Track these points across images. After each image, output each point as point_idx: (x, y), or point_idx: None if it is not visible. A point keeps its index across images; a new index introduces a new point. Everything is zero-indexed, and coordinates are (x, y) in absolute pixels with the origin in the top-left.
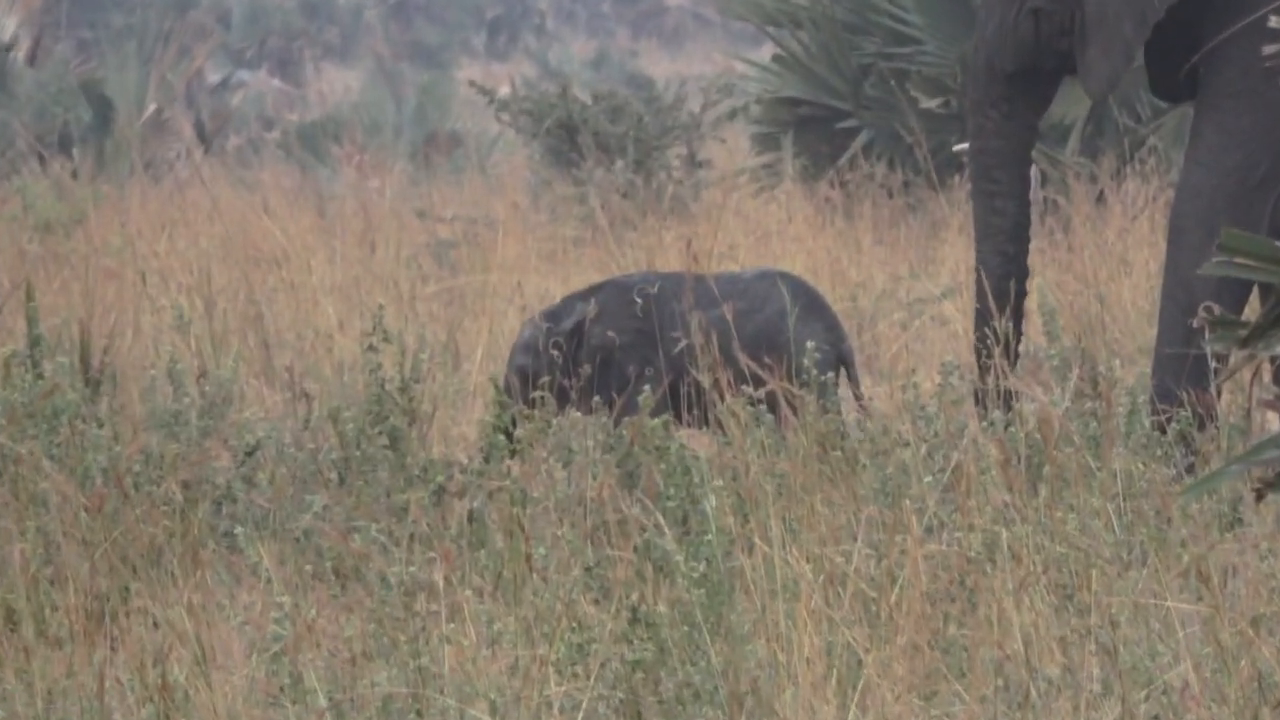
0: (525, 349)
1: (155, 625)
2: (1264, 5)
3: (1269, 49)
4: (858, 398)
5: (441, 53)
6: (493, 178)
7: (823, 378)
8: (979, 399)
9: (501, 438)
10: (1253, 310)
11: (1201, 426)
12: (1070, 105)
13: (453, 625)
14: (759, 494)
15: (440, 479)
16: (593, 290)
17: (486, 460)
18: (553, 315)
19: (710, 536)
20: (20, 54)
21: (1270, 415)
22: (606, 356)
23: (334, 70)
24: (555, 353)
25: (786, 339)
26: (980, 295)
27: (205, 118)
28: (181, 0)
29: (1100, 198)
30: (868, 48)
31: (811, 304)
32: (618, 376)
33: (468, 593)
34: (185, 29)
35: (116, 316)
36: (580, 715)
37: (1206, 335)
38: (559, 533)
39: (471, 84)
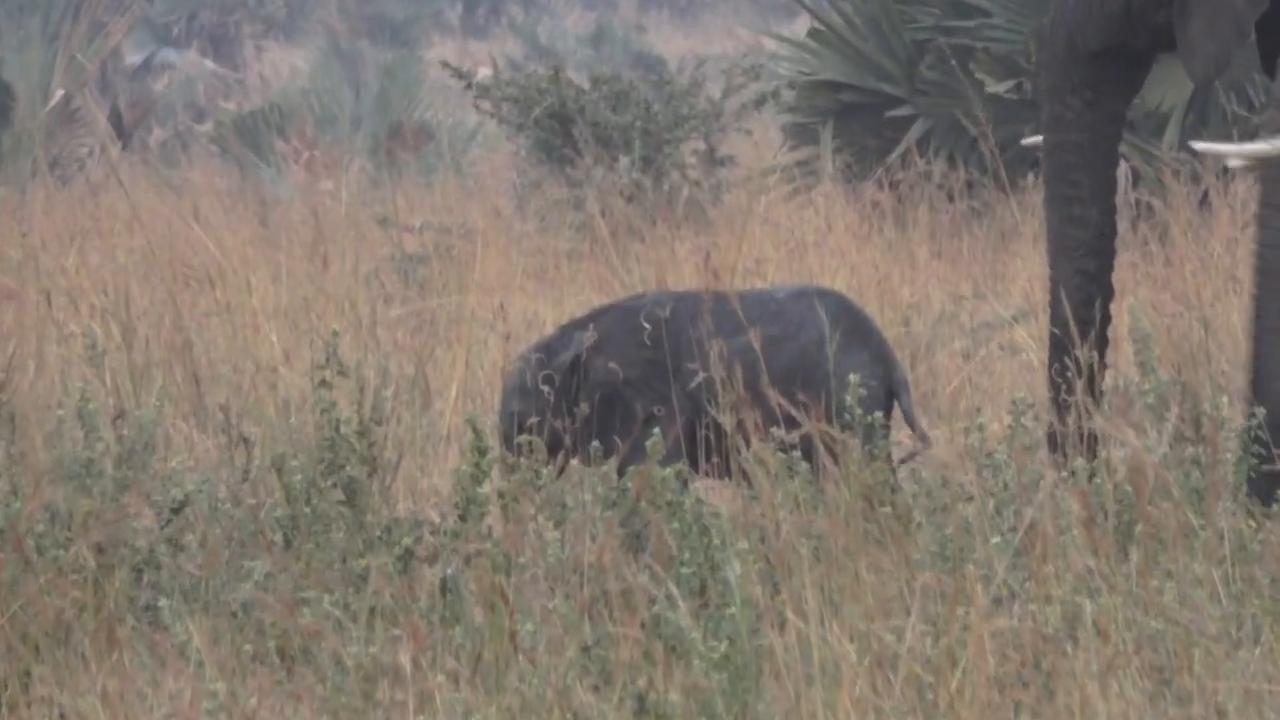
0: (517, 392)
1: (62, 718)
2: None
3: None
4: (920, 438)
5: (408, 28)
6: (470, 178)
7: (869, 418)
8: (1057, 444)
9: (482, 491)
10: None
11: None
12: (1168, 90)
13: (422, 718)
14: (792, 559)
15: (407, 541)
16: (593, 316)
17: (463, 518)
18: (547, 348)
19: (733, 610)
20: None
21: None
22: (609, 394)
23: (278, 50)
24: (548, 392)
25: (826, 371)
26: (1057, 320)
27: (123, 107)
28: None
29: (1204, 201)
30: (924, 21)
31: (856, 328)
32: (623, 417)
33: (440, 678)
34: (99, 0)
35: (16, 346)
36: None
37: None
38: (550, 605)
39: (444, 65)
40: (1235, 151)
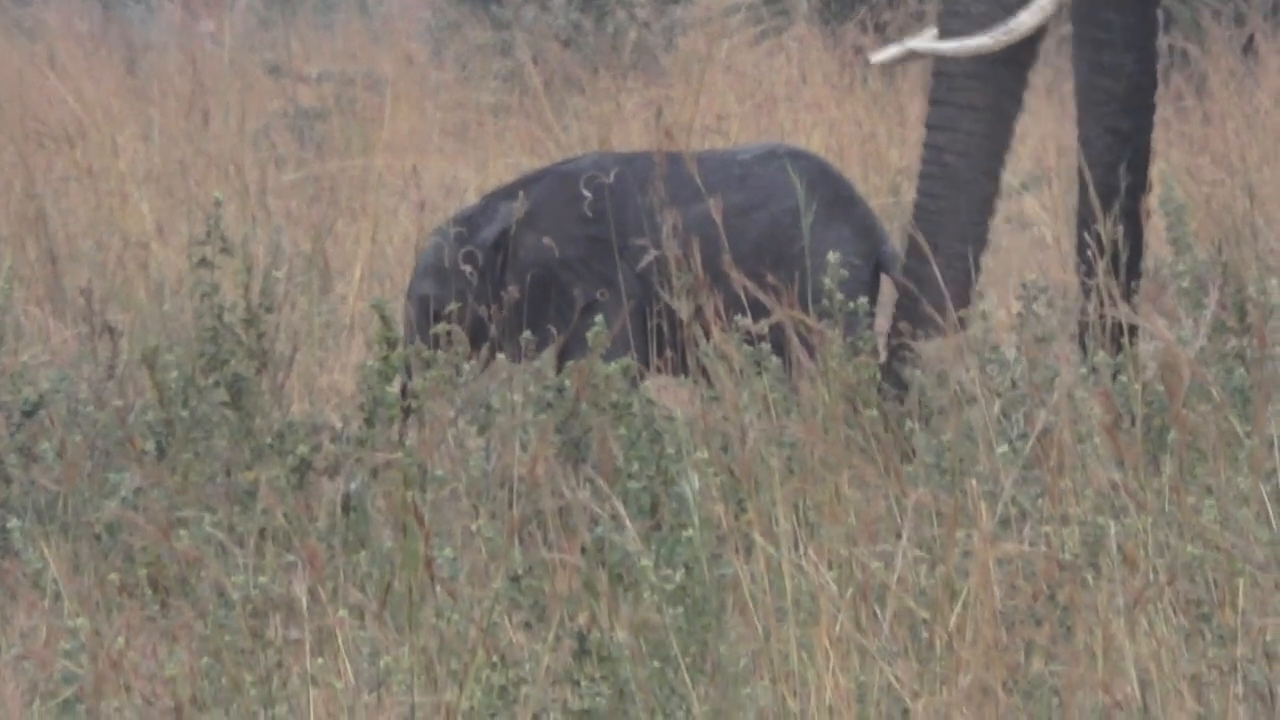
0: (431, 273)
1: None
2: None
3: None
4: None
5: None
6: (377, 19)
7: (852, 303)
8: (1076, 335)
9: (391, 390)
10: None
11: None
12: None
13: (321, 660)
14: (760, 471)
15: (303, 450)
16: (523, 183)
17: (369, 423)
18: (468, 221)
19: (690, 532)
20: None
21: None
22: (542, 275)
23: None
24: (470, 273)
25: (801, 248)
26: (1080, 188)
27: None
28: None
29: (1249, 46)
30: None
31: (836, 196)
32: (559, 303)
33: (342, 613)
34: None
35: None
36: None
37: None
38: (473, 527)
39: None
40: (952, 49)
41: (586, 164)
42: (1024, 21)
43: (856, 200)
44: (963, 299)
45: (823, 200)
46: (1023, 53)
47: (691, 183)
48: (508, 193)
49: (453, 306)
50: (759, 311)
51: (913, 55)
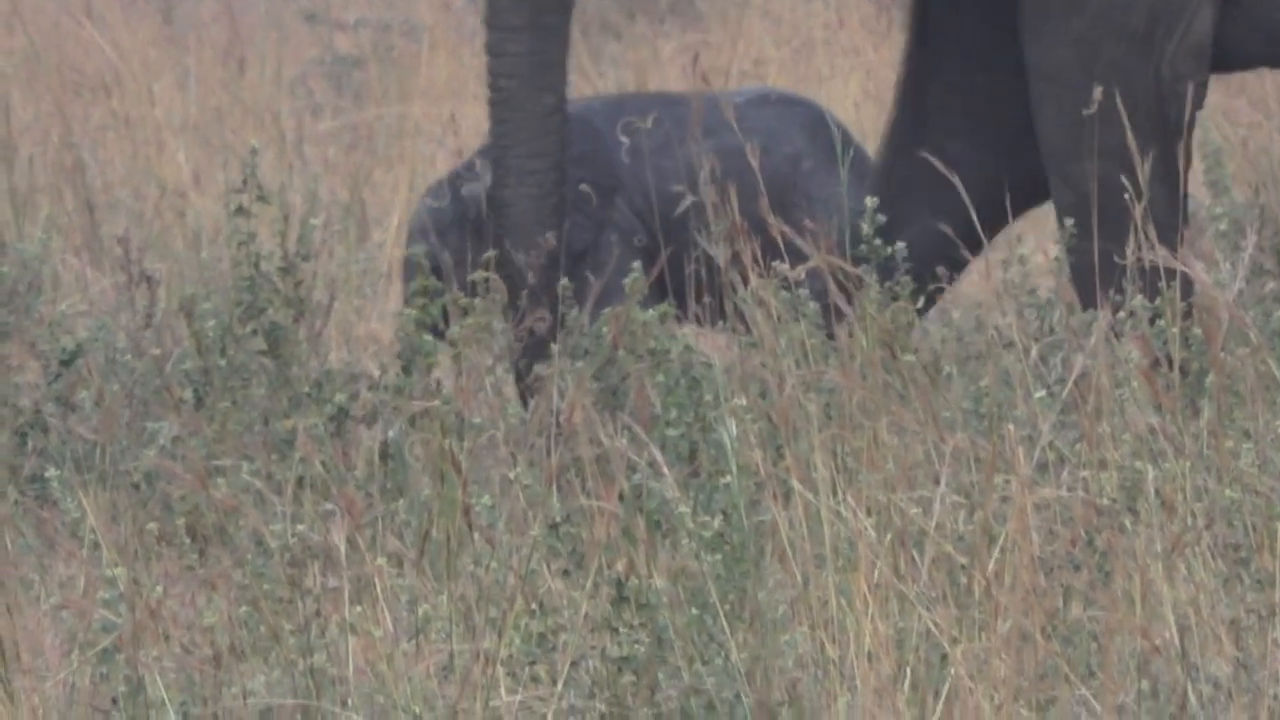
0: (421, 230)
1: None
2: None
3: None
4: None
5: None
6: None
7: (889, 250)
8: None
9: (429, 339)
10: None
11: None
12: None
13: (360, 608)
14: (798, 418)
15: (340, 398)
16: None
17: (406, 371)
18: (458, 177)
19: (728, 479)
20: None
21: None
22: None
23: None
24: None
25: (802, 194)
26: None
27: None
28: None
29: None
30: None
31: (834, 143)
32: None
33: (381, 561)
34: None
35: None
36: None
37: None
38: (511, 475)
39: None
40: None
41: (573, 110)
42: None
43: (855, 147)
44: (544, 217)
45: (822, 147)
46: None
47: (690, 125)
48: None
49: (489, 255)
50: (795, 257)
51: None
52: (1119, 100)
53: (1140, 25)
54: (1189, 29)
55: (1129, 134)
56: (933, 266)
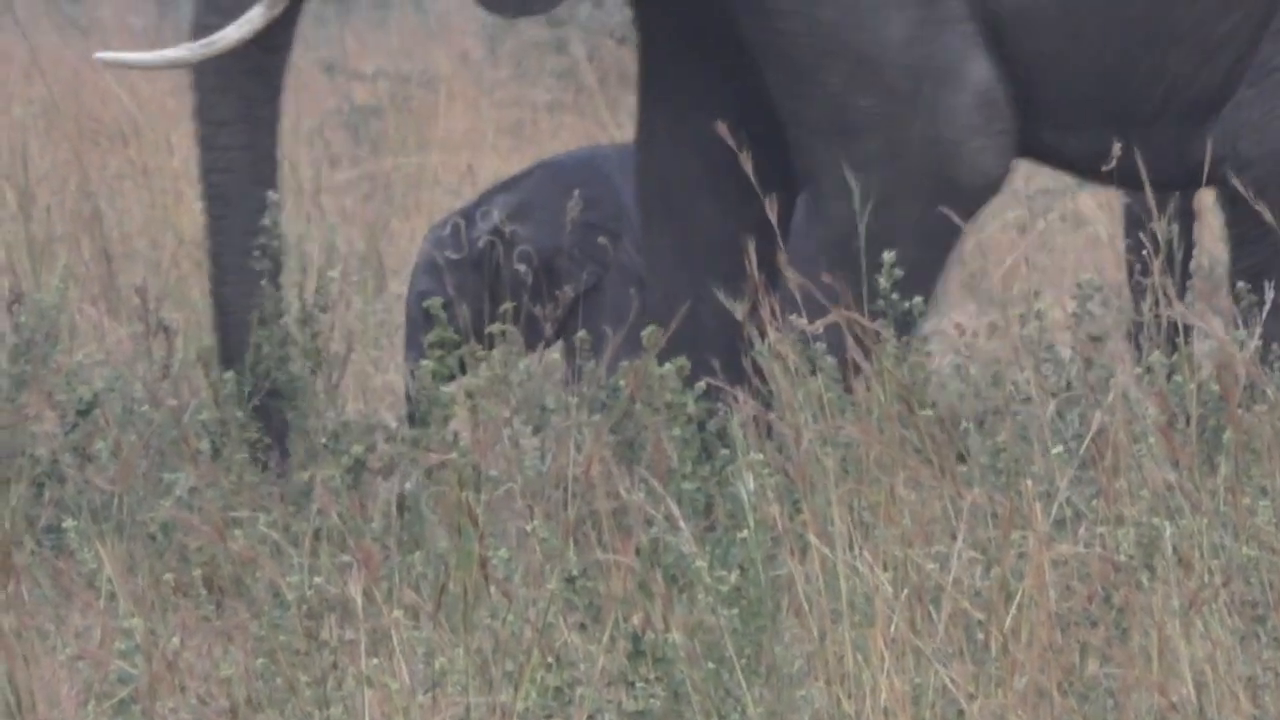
0: (427, 269)
1: None
2: None
3: None
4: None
5: None
6: (432, 16)
7: (906, 302)
8: (1131, 335)
9: (446, 390)
10: None
11: None
12: None
13: (376, 661)
14: (815, 472)
15: (357, 450)
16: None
17: (424, 423)
18: (465, 216)
19: (746, 533)
20: None
21: None
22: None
23: None
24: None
25: None
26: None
27: None
28: None
29: None
30: None
31: None
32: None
33: (398, 614)
34: None
35: None
36: None
37: None
38: (528, 528)
39: None
40: (151, 61)
41: (580, 155)
42: (228, 35)
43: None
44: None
45: None
46: (269, 59)
47: None
48: (502, 186)
49: (507, 306)
50: (814, 311)
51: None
52: (880, 149)
53: (899, 80)
54: (965, 80)
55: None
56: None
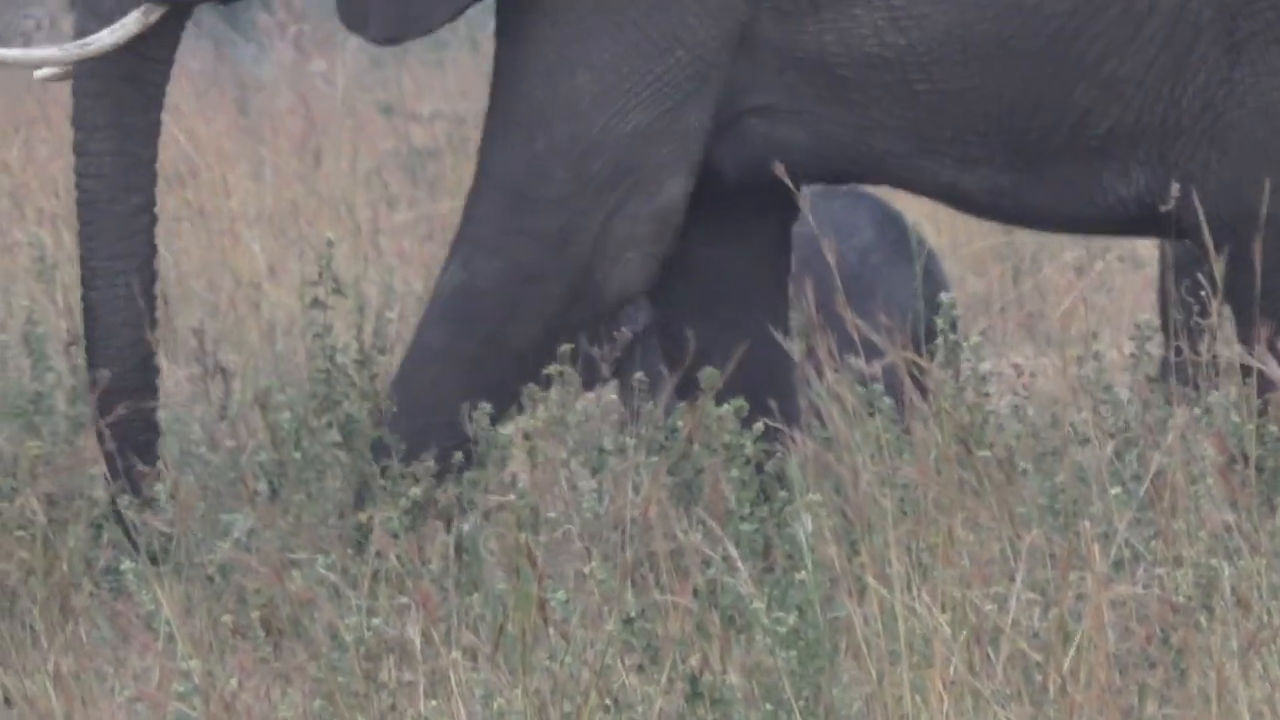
0: None
1: (7, 701)
2: None
3: None
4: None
5: None
6: (488, 57)
7: (962, 341)
8: (1188, 376)
9: (503, 432)
10: None
11: None
12: None
13: (435, 702)
14: (873, 513)
15: (415, 492)
16: None
17: (481, 465)
18: None
19: (804, 575)
20: None
21: None
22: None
23: None
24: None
25: (866, 286)
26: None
27: None
28: None
29: None
30: None
31: (901, 238)
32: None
33: (456, 655)
34: None
35: None
36: None
37: None
38: (586, 569)
39: None
40: (21, 58)
41: None
42: (102, 39)
43: (921, 242)
44: (132, 319)
45: (889, 240)
46: (145, 67)
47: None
48: None
49: (564, 347)
50: (871, 353)
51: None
52: (554, 227)
53: (603, 173)
54: (658, 193)
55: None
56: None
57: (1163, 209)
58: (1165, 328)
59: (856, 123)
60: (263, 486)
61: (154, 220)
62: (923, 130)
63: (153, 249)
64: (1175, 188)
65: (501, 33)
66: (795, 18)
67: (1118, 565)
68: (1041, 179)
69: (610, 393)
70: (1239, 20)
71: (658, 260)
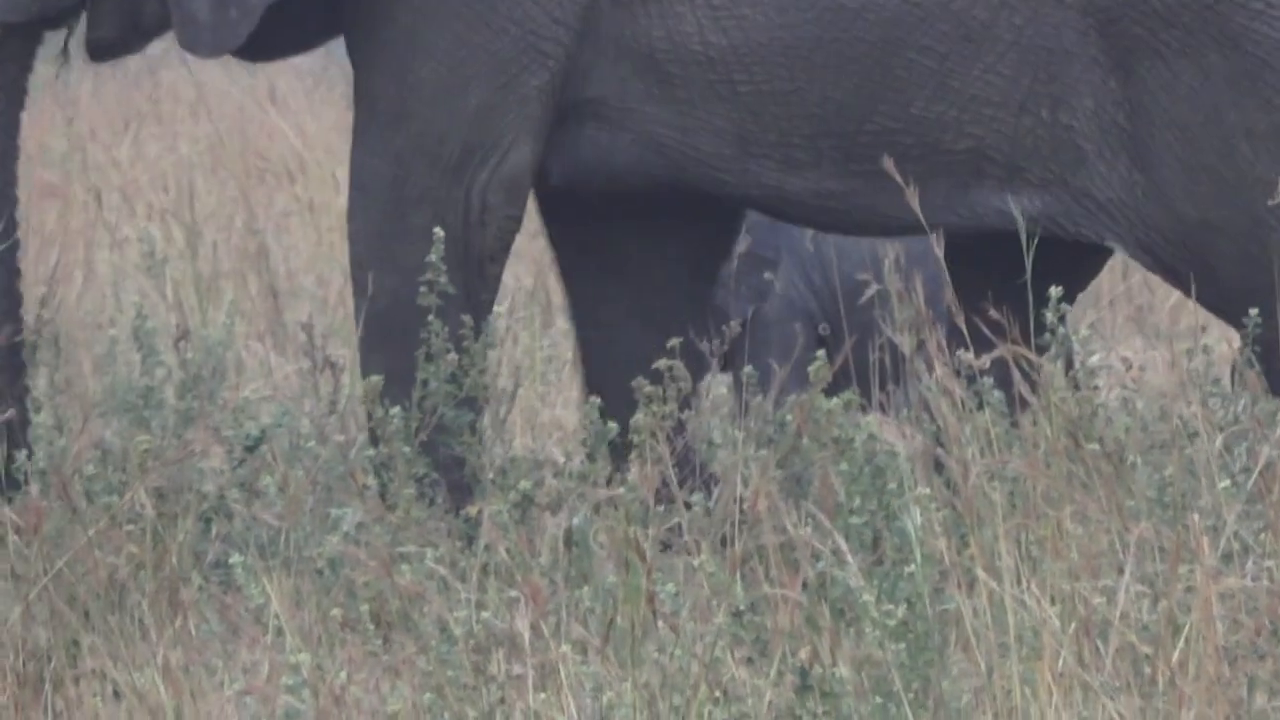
0: None
1: (116, 695)
2: None
3: None
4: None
5: None
6: None
7: (1071, 335)
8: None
9: (613, 426)
10: None
11: None
12: None
13: (544, 695)
14: (983, 507)
15: (525, 485)
16: None
17: (591, 458)
18: None
19: (913, 568)
20: None
21: None
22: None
23: None
24: None
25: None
26: None
27: None
28: None
29: None
30: None
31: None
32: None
33: (565, 648)
34: None
35: (61, 253)
36: None
37: None
38: (695, 563)
39: None
40: None
41: None
42: None
43: None
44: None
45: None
46: (17, 48)
47: None
48: None
49: (674, 342)
50: (981, 346)
51: None
52: (427, 222)
53: (454, 155)
54: (503, 162)
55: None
56: None
57: (1073, 230)
58: None
59: (682, 123)
60: (371, 481)
61: (14, 204)
62: (747, 132)
63: (14, 244)
64: (1080, 212)
65: (350, 40)
66: (628, 7)
67: (1227, 558)
68: (883, 187)
69: (720, 385)
70: (1110, 41)
71: (515, 223)
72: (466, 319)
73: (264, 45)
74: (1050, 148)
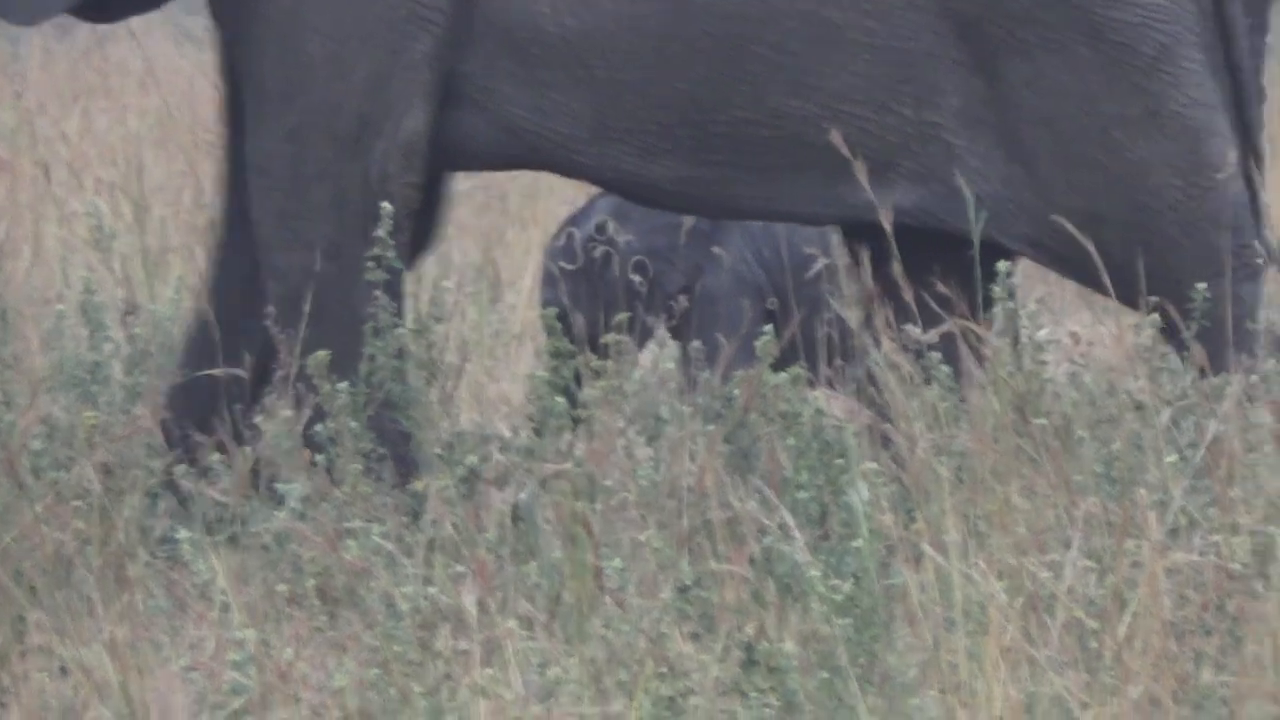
0: (545, 279)
1: (63, 671)
2: None
3: None
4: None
5: None
6: None
7: (1019, 309)
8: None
9: (561, 400)
10: None
11: None
12: None
13: (490, 670)
14: (929, 482)
15: (471, 460)
16: None
17: (538, 433)
18: (574, 222)
19: (859, 542)
20: None
21: None
22: (636, 266)
23: None
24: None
25: None
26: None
27: None
28: None
29: None
30: None
31: None
32: (656, 295)
33: (511, 624)
34: None
35: (8, 227)
36: None
37: None
38: (642, 538)
39: None
40: None
41: None
42: None
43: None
44: None
45: None
46: None
47: None
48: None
49: (621, 317)
50: (929, 321)
51: None
52: (329, 197)
53: (350, 127)
54: (398, 128)
55: (340, 230)
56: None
57: (951, 224)
58: None
59: (539, 105)
60: (319, 457)
61: None
62: (603, 117)
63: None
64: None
65: (223, 18)
66: None
67: (1174, 533)
68: (746, 175)
69: (667, 361)
70: (971, 43)
71: (415, 189)
72: (380, 294)
73: (104, 5)
74: (919, 143)
